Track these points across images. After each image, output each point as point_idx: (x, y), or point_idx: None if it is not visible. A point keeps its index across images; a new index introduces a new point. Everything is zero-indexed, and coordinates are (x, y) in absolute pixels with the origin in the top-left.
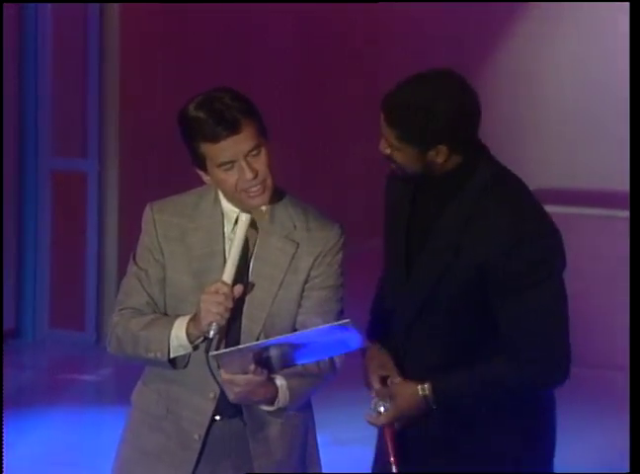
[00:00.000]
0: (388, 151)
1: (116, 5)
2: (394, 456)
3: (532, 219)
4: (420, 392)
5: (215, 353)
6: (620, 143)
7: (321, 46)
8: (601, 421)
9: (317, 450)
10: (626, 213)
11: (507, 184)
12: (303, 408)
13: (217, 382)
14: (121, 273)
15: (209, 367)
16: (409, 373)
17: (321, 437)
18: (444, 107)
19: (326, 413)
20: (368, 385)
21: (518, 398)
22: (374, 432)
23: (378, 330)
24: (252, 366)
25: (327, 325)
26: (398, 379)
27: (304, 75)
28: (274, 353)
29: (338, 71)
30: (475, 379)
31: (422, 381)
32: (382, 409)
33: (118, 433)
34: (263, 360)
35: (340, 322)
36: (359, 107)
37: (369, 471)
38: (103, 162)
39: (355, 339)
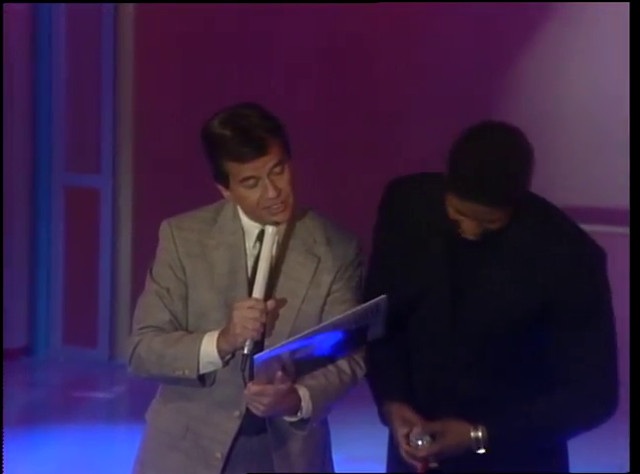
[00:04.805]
0: (477, 230)
1: (130, 5)
2: None
3: (589, 246)
4: (472, 433)
5: (258, 355)
6: (618, 157)
7: (341, 50)
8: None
9: (333, 468)
10: (626, 230)
11: (545, 208)
12: (321, 426)
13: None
14: (135, 290)
15: (245, 382)
16: (442, 409)
17: (336, 455)
18: (523, 159)
19: (341, 431)
20: (397, 441)
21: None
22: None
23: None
24: (279, 373)
25: (360, 306)
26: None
27: (324, 79)
28: (302, 354)
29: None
30: (530, 418)
31: (471, 422)
32: (420, 442)
33: (130, 450)
34: (286, 368)
35: (374, 300)
36: (382, 115)
37: None
38: (116, 178)
39: (380, 322)
